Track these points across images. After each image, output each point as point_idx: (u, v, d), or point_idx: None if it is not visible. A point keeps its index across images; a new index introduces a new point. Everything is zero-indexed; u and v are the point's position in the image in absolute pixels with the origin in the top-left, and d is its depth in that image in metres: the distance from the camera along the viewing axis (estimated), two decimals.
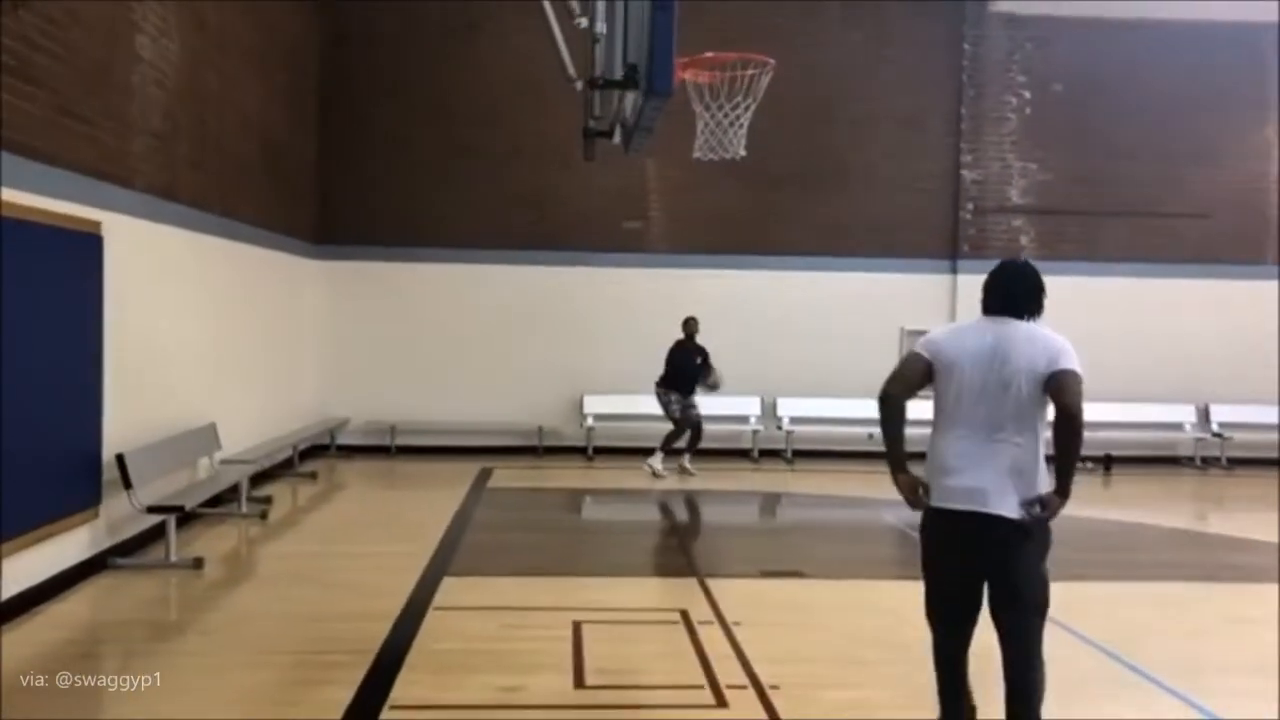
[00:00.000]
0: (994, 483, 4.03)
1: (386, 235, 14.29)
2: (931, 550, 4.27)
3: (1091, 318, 14.40)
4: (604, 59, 5.31)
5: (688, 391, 12.70)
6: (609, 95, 5.88)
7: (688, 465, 12.84)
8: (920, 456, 4.28)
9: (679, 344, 12.86)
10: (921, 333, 14.85)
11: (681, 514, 11.19)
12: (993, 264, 14.50)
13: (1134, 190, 14.66)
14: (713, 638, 6.12)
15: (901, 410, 4.23)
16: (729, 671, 5.53)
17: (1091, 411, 14.11)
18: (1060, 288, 15.57)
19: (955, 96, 14.67)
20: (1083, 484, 13.28)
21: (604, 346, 14.37)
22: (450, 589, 7.17)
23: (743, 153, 6.59)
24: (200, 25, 9.63)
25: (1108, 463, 14.07)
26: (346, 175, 14.24)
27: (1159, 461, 14.53)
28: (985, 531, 4.03)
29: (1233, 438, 14.37)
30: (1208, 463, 14.44)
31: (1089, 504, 11.95)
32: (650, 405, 13.93)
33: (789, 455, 14.01)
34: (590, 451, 14.12)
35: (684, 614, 6.58)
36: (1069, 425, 4.02)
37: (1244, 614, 7.03)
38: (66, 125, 7.21)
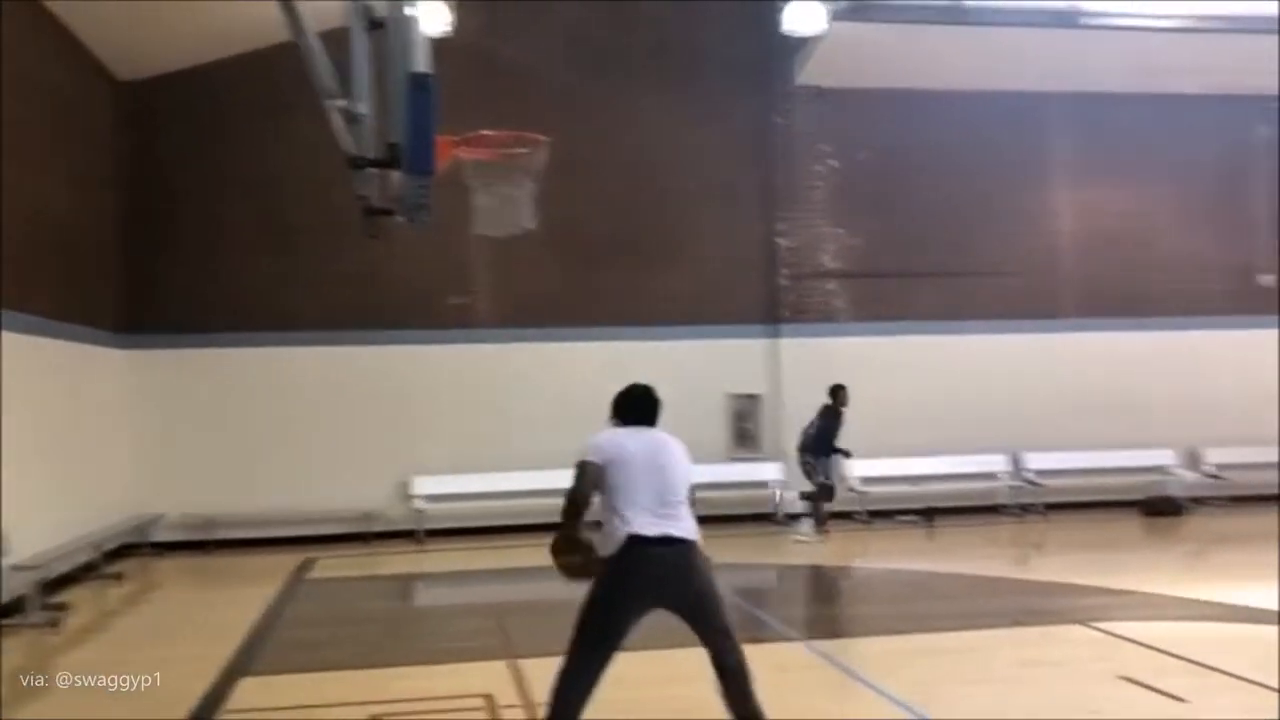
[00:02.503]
0: (679, 527, 5.14)
1: (203, 319, 13.83)
2: (624, 584, 5.06)
3: (907, 375, 15.01)
4: (367, 138, 5.26)
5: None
6: (386, 173, 5.83)
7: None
8: None
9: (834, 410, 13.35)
10: (747, 396, 15.16)
11: (504, 593, 10.99)
12: (814, 327, 14.92)
13: (938, 252, 15.33)
14: None
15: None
16: None
17: (911, 466, 14.58)
18: (876, 347, 16.25)
19: (767, 167, 15.15)
20: (905, 537, 13.75)
21: (432, 426, 14.16)
22: (247, 691, 6.83)
23: (530, 225, 6.60)
24: None
25: (930, 515, 14.49)
26: (157, 259, 13.75)
27: (979, 511, 15.03)
28: (677, 552, 5.07)
29: (1045, 484, 14.99)
30: (1026, 509, 15.01)
31: (908, 557, 12.30)
32: (483, 484, 13.93)
33: None
34: (421, 535, 13.78)
35: (489, 699, 6.41)
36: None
37: (1042, 657, 7.25)
38: None
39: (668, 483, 5.19)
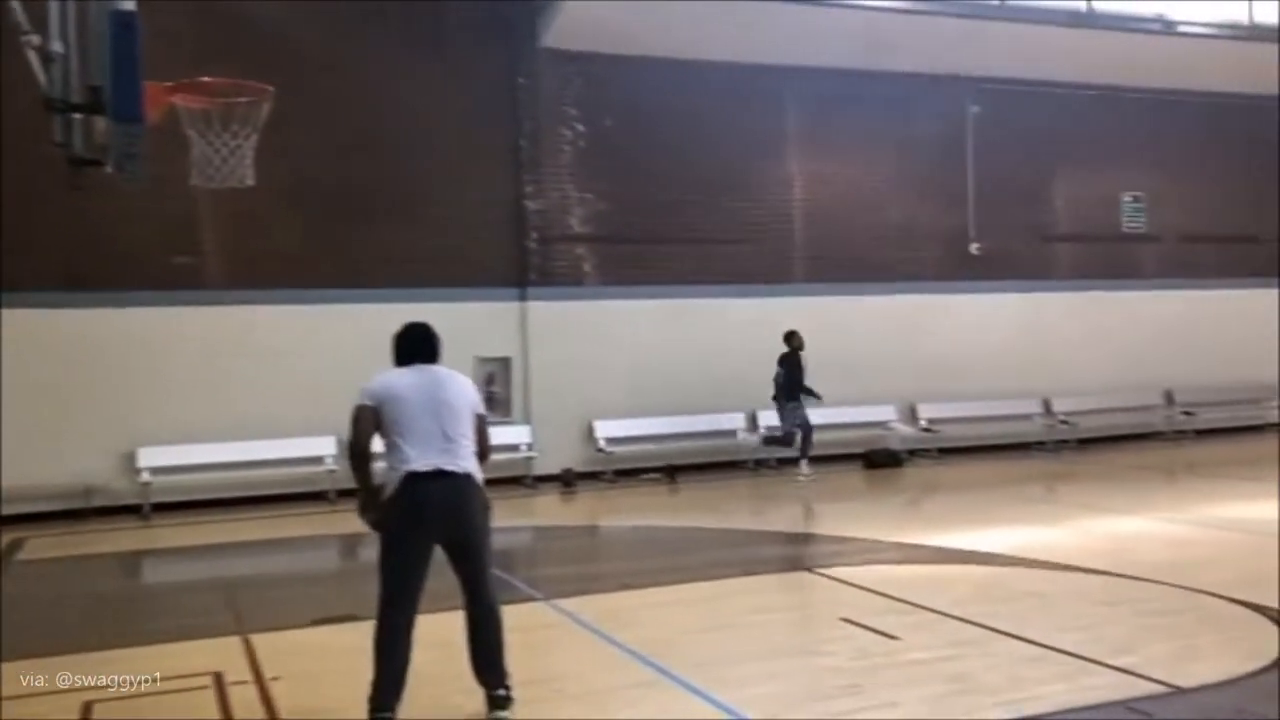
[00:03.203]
0: (455, 463, 5.22)
1: None
2: (405, 521, 5.13)
3: (651, 336, 15.38)
4: (66, 80, 4.82)
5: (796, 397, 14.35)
6: (92, 119, 5.36)
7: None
8: None
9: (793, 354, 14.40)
10: (496, 359, 15.06)
11: (236, 568, 10.54)
12: (562, 290, 14.95)
13: (682, 218, 15.70)
14: (245, 699, 5.75)
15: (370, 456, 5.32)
16: None
17: (656, 425, 14.93)
18: (622, 311, 16.51)
19: (514, 128, 15.04)
20: (649, 494, 14.12)
21: (159, 393, 13.30)
22: None
23: (250, 181, 6.28)
24: None
25: (672, 472, 14.94)
26: None
27: (719, 467, 15.62)
28: (453, 486, 5.15)
29: None
30: (760, 464, 15.71)
31: (651, 513, 12.66)
32: (214, 454, 13.30)
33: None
34: (147, 509, 12.96)
35: (217, 677, 6.13)
36: (485, 456, 5.46)
37: (772, 603, 7.64)
38: None
39: (448, 418, 5.19)
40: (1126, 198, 18.53)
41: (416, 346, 5.47)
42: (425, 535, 5.14)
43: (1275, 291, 19.29)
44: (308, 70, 13.52)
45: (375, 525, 5.28)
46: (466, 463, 5.22)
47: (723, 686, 5.68)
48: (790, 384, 14.36)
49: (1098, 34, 16.92)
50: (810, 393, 14.41)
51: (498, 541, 5.55)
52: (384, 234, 14.26)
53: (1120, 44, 17.08)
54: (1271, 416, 19.05)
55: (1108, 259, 18.41)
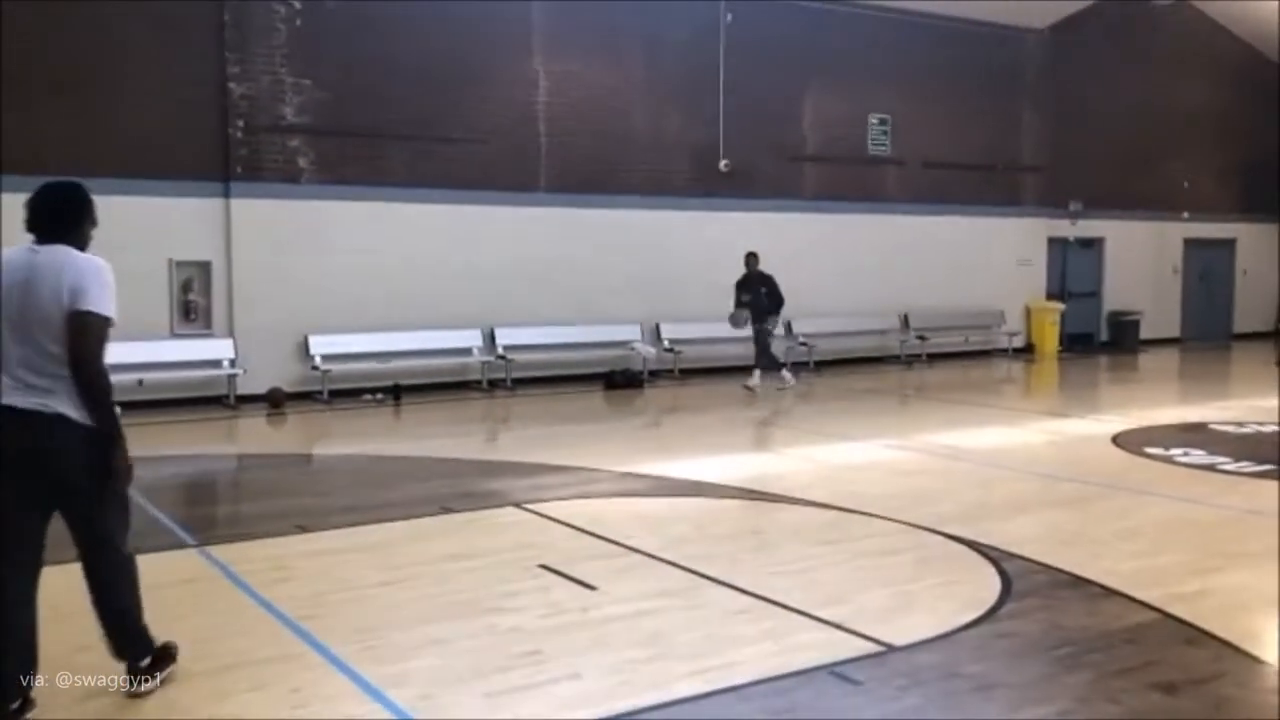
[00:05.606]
0: (36, 398, 3.96)
1: None
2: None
3: (375, 242, 14.06)
4: None
5: (757, 318, 14.75)
6: None
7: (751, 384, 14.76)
8: None
9: (744, 277, 14.79)
10: (195, 263, 13.28)
11: None
12: (272, 186, 13.27)
13: (413, 113, 14.30)
14: None
15: None
16: None
17: (376, 342, 13.52)
18: (342, 212, 14.90)
19: (218, 1, 13.16)
20: (367, 417, 12.91)
21: None
22: None
23: None
24: None
25: (397, 393, 13.78)
26: None
27: (450, 387, 14.56)
28: (33, 432, 3.94)
29: (516, 359, 14.81)
30: (494, 385, 14.76)
31: (365, 439, 11.49)
32: None
33: None
34: None
35: None
36: (81, 379, 3.95)
37: (463, 549, 6.69)
38: None
39: (38, 329, 3.91)
40: (873, 120, 18.42)
41: (45, 214, 4.10)
42: (11, 482, 3.99)
43: (1011, 220, 19.87)
44: None
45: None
46: (52, 399, 3.94)
47: (375, 660, 4.73)
48: (775, 301, 14.76)
49: None
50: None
51: (172, 470, 4.41)
52: (53, 114, 12.21)
53: None
54: (1000, 341, 19.73)
55: (853, 181, 18.29)
